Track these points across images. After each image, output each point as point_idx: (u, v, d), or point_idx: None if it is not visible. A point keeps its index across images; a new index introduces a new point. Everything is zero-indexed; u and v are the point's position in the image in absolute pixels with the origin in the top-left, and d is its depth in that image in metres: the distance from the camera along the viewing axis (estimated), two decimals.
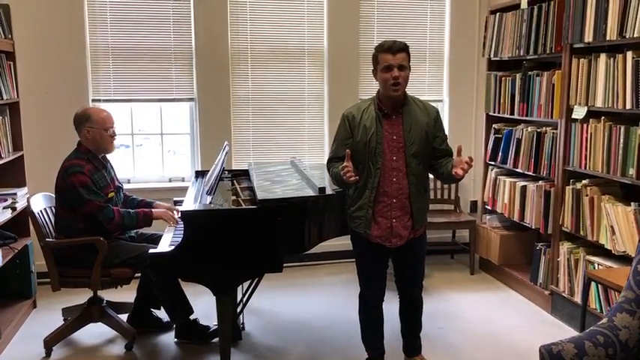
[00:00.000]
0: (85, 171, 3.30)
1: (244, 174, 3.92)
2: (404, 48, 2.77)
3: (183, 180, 4.82)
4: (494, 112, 4.60)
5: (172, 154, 4.94)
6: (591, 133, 3.48)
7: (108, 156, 3.56)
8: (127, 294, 3.68)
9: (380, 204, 2.84)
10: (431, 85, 5.14)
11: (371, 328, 3.10)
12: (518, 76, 4.24)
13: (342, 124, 2.91)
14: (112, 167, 3.61)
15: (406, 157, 2.81)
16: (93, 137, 3.39)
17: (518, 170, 4.26)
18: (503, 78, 4.45)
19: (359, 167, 2.84)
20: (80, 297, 3.61)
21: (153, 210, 3.47)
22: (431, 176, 3.01)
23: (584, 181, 3.58)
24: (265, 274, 3.28)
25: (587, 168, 3.54)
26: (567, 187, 3.70)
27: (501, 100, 4.48)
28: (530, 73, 4.11)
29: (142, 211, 3.42)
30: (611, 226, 3.31)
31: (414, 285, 3.08)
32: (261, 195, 3.04)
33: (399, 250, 2.91)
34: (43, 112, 4.43)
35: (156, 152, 4.87)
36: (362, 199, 2.86)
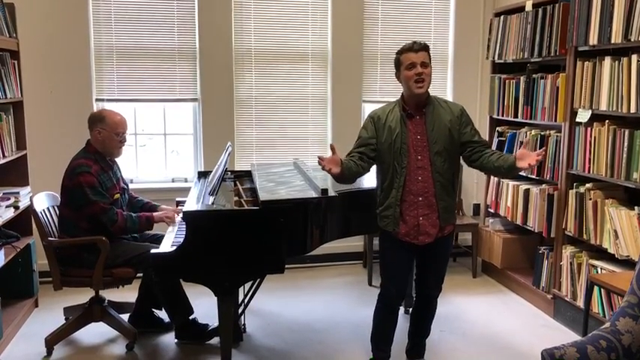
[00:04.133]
0: (92, 171, 3.30)
1: (247, 175, 3.92)
2: (425, 47, 2.86)
3: (186, 180, 4.83)
4: (497, 115, 4.59)
5: (176, 154, 4.94)
6: (595, 137, 3.47)
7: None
8: (128, 294, 3.68)
9: (406, 202, 2.86)
10: (435, 88, 5.05)
11: (383, 330, 3.10)
12: (522, 78, 4.23)
13: (368, 124, 2.94)
14: (118, 168, 3.61)
15: (430, 156, 2.83)
16: (102, 139, 3.40)
17: (522, 173, 4.22)
18: (507, 81, 4.44)
19: (383, 167, 2.89)
20: (82, 296, 3.61)
21: (154, 214, 3.50)
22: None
23: (587, 185, 3.57)
24: (267, 276, 3.28)
25: (591, 172, 3.52)
26: (571, 191, 3.69)
27: (505, 103, 4.47)
28: (534, 75, 4.10)
29: (144, 215, 3.46)
30: (615, 230, 3.30)
31: (435, 286, 3.09)
32: (263, 196, 3.04)
33: (426, 248, 2.92)
34: (46, 112, 4.44)
35: (159, 152, 4.87)
36: (389, 199, 2.88)
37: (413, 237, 2.89)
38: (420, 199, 2.85)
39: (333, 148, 2.79)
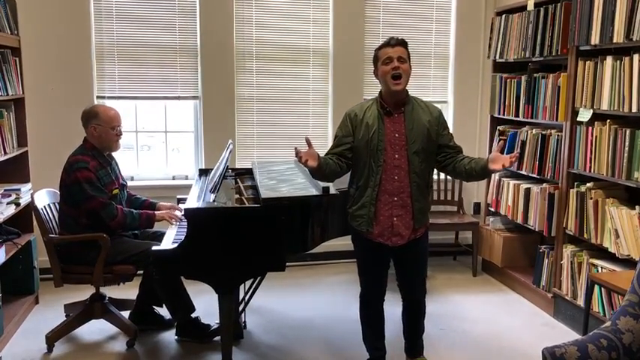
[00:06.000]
0: (90, 167, 3.30)
1: (248, 173, 3.92)
2: (402, 42, 2.82)
3: (186, 178, 4.83)
4: (499, 114, 4.59)
5: (177, 152, 4.93)
6: (596, 136, 3.47)
7: (113, 153, 3.57)
8: (129, 291, 3.68)
9: (381, 202, 2.84)
10: (436, 87, 5.13)
11: (371, 328, 3.09)
12: (523, 78, 4.23)
13: (344, 122, 2.92)
14: (117, 164, 3.61)
15: (408, 155, 2.80)
16: (99, 134, 3.40)
17: (523, 172, 4.25)
18: (508, 80, 4.44)
19: (359, 164, 2.85)
20: (82, 293, 3.62)
21: (155, 212, 3.49)
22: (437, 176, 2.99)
23: (588, 184, 3.57)
24: (268, 273, 3.28)
25: (592, 171, 3.52)
26: (571, 190, 3.69)
27: (506, 102, 4.47)
28: (535, 75, 4.10)
29: (144, 212, 3.44)
30: (615, 230, 3.30)
31: (417, 287, 3.07)
32: (265, 193, 3.04)
33: (400, 250, 2.90)
34: (47, 109, 4.44)
35: (160, 150, 4.87)
36: (364, 198, 2.85)
37: (386, 238, 2.86)
38: (395, 199, 2.83)
39: (308, 142, 2.74)
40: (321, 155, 2.77)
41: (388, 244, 2.88)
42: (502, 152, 2.81)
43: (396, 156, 2.81)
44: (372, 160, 2.81)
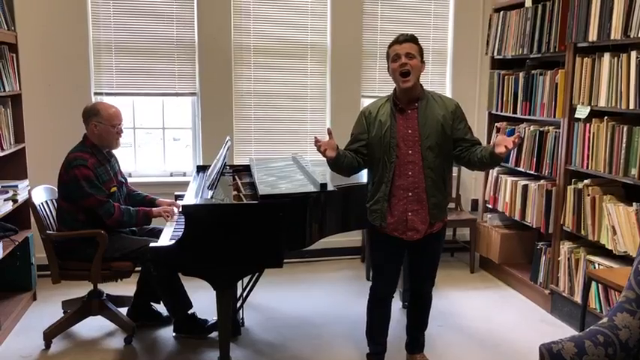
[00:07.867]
0: (89, 164, 3.30)
1: (246, 170, 3.92)
2: (411, 38, 2.83)
3: (184, 174, 4.82)
4: (496, 111, 4.59)
5: (175, 148, 4.92)
6: (594, 133, 3.48)
7: (113, 151, 3.57)
8: (127, 287, 3.68)
9: (395, 197, 2.85)
10: (434, 83, 5.11)
11: (377, 324, 3.11)
12: (521, 74, 4.23)
13: (359, 121, 2.95)
14: (116, 161, 3.61)
15: (422, 151, 2.81)
16: (99, 132, 3.40)
17: (520, 169, 4.25)
18: (506, 76, 4.44)
19: (374, 161, 2.88)
20: (80, 290, 3.61)
21: (153, 209, 3.49)
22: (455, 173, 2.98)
23: (585, 181, 3.57)
24: (265, 270, 3.28)
25: (589, 168, 3.53)
26: (569, 187, 3.70)
27: (504, 99, 4.47)
28: (533, 71, 4.10)
29: (141, 210, 3.45)
30: (613, 226, 3.31)
31: (427, 281, 3.09)
32: (262, 190, 3.04)
33: (416, 244, 2.91)
34: (45, 105, 4.43)
35: (157, 146, 4.87)
36: (379, 193, 2.88)
37: (401, 232, 2.88)
38: (410, 194, 2.84)
39: (330, 133, 2.80)
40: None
41: (403, 238, 2.89)
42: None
43: (410, 152, 2.82)
44: (385, 156, 2.83)
